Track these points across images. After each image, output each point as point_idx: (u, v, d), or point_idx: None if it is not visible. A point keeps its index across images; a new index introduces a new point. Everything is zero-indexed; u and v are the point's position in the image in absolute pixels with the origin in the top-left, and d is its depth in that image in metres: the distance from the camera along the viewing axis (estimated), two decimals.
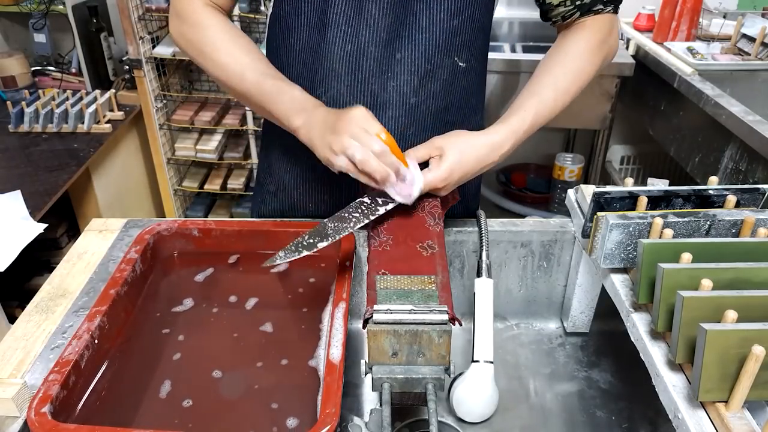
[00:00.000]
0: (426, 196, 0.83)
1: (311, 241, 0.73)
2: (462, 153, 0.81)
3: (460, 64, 0.92)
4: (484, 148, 0.82)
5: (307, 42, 0.90)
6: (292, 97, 0.84)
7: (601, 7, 0.89)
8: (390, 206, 0.78)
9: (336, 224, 0.75)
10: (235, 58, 0.87)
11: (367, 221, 0.76)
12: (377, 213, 0.77)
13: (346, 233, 0.75)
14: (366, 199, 0.78)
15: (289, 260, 0.72)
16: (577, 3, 0.89)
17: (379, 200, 0.78)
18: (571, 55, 0.90)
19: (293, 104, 0.83)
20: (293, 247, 0.73)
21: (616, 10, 0.91)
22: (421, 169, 0.80)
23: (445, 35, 0.88)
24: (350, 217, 0.76)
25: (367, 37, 0.87)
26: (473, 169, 0.82)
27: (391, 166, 0.74)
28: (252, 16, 1.96)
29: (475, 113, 1.00)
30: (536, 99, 0.87)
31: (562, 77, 0.88)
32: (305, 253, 0.72)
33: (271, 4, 0.91)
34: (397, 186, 0.76)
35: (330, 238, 0.74)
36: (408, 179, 0.76)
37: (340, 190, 0.98)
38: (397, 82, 0.90)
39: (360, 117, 0.75)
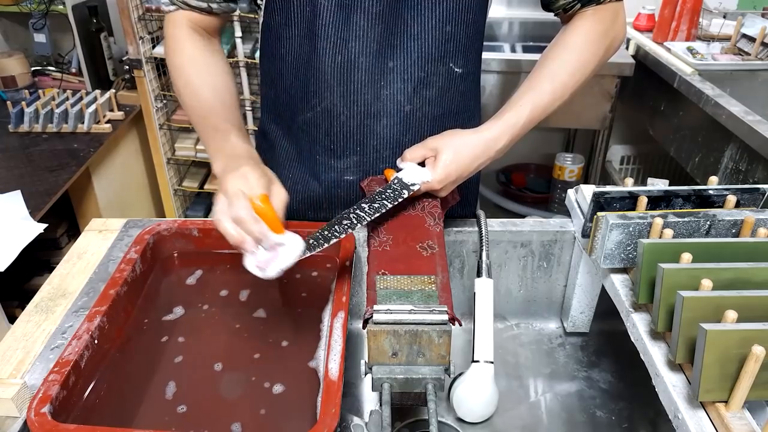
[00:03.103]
0: (426, 196, 0.83)
1: (314, 243, 0.73)
2: (457, 152, 0.80)
3: (456, 70, 0.91)
4: (478, 145, 0.82)
5: (299, 53, 0.89)
6: (223, 140, 0.84)
7: None
8: (383, 210, 0.77)
9: (333, 228, 0.75)
10: (189, 90, 0.89)
11: (359, 225, 0.75)
12: (366, 219, 0.76)
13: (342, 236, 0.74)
14: (363, 206, 0.77)
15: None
16: None
17: (374, 205, 0.77)
18: (570, 47, 0.88)
19: (222, 149, 0.83)
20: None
21: None
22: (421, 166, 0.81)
23: (438, 42, 0.87)
24: (342, 223, 0.75)
25: (357, 47, 0.86)
26: (469, 167, 0.82)
27: (249, 233, 0.69)
28: (252, 16, 1.96)
29: (473, 117, 1.00)
30: (533, 93, 0.86)
31: (560, 70, 0.87)
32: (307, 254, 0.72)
33: (262, 12, 0.91)
34: (256, 255, 0.70)
35: (328, 242, 0.73)
36: (277, 251, 0.70)
37: (338, 198, 0.98)
38: (390, 91, 0.89)
39: (239, 179, 0.72)
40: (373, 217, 0.76)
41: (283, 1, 0.86)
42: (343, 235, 0.74)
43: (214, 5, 0.91)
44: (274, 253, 0.70)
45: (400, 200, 0.78)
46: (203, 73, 0.90)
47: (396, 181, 0.80)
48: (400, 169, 0.83)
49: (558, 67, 0.87)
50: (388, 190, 0.79)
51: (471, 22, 0.88)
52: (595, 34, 0.88)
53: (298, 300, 0.84)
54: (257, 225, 0.69)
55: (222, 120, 0.87)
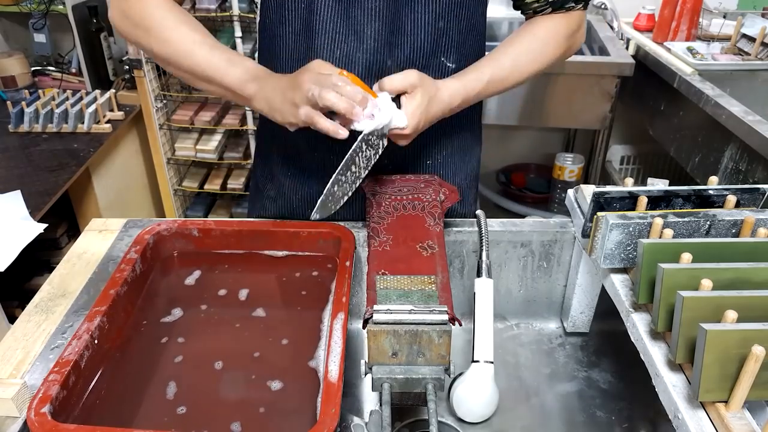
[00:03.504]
0: (425, 196, 0.83)
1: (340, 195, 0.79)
2: (430, 99, 0.80)
3: (448, 64, 0.92)
4: (443, 101, 0.82)
5: (294, 50, 0.89)
6: (244, 68, 0.83)
7: (573, 4, 0.91)
8: (370, 165, 0.79)
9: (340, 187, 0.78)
10: (182, 33, 0.84)
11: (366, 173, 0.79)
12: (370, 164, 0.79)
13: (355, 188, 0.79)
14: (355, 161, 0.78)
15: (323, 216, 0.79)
16: (550, 0, 0.90)
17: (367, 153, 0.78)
18: (538, 38, 0.91)
19: (246, 74, 0.82)
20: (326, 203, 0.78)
21: (585, 7, 0.93)
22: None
23: (431, 37, 0.88)
24: (350, 175, 0.78)
25: (356, 44, 0.86)
26: (433, 120, 0.83)
27: (352, 94, 0.73)
28: (252, 16, 1.96)
29: (474, 111, 1.00)
30: (493, 65, 0.88)
31: (524, 55, 0.90)
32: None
33: (259, 11, 0.91)
34: (364, 115, 0.75)
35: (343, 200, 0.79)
36: (377, 108, 0.75)
37: None
38: None
39: (317, 65, 0.77)
40: (367, 170, 0.79)
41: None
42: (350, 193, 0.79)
43: None
44: (378, 106, 0.76)
45: (381, 150, 0.79)
46: (188, 21, 0.86)
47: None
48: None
49: (523, 52, 0.91)
50: (372, 137, 0.78)
51: (465, 17, 0.89)
52: (561, 34, 0.92)
53: (298, 299, 0.84)
54: (355, 87, 0.74)
55: (232, 52, 0.86)
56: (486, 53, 0.98)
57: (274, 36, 0.90)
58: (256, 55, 0.99)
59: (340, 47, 0.87)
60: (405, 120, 0.78)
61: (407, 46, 0.88)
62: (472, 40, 0.94)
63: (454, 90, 0.84)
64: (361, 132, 0.76)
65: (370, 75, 0.88)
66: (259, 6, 0.90)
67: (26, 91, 2.10)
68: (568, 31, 0.92)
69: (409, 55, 0.88)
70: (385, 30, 0.86)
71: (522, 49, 0.91)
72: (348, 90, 0.73)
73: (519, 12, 0.96)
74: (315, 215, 0.79)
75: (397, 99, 0.79)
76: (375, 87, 0.81)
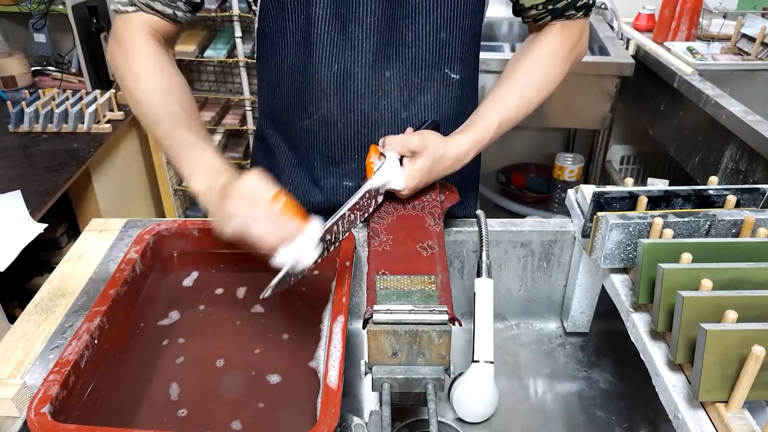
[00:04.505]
0: (425, 196, 0.83)
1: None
2: (433, 164, 0.79)
3: (452, 76, 0.91)
4: (451, 159, 0.82)
5: (294, 61, 0.89)
6: (201, 156, 0.79)
7: (573, 12, 0.89)
8: (360, 220, 0.78)
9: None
10: (152, 98, 0.82)
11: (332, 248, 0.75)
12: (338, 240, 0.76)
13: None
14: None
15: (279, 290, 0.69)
16: (549, 7, 0.88)
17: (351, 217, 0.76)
18: (539, 63, 0.90)
19: (200, 164, 0.79)
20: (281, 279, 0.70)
21: (587, 15, 0.91)
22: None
23: (433, 49, 0.87)
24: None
25: (353, 58, 0.86)
26: (437, 177, 0.82)
27: (276, 233, 0.67)
28: (251, 16, 1.95)
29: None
30: (501, 106, 0.86)
31: (528, 86, 0.89)
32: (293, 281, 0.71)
33: (257, 18, 0.90)
34: (289, 253, 0.69)
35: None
36: (303, 245, 0.69)
37: (339, 203, 0.97)
38: (388, 101, 0.89)
39: (250, 184, 0.70)
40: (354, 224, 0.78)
41: (278, 9, 0.86)
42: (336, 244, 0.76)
43: (179, 13, 0.87)
44: (299, 251, 0.69)
45: (371, 209, 0.79)
46: (166, 84, 0.84)
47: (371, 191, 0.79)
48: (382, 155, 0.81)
49: (526, 83, 0.89)
50: (363, 199, 0.78)
51: (467, 28, 0.88)
52: (562, 52, 0.90)
53: (298, 298, 0.84)
54: (281, 224, 0.68)
55: (196, 134, 0.82)
56: (486, 53, 0.98)
57: (274, 45, 0.89)
58: (256, 55, 0.99)
59: (337, 61, 0.86)
60: (402, 183, 0.78)
61: (408, 58, 0.87)
62: (474, 49, 0.93)
63: (463, 147, 0.83)
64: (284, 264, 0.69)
65: (370, 88, 0.88)
66: (257, 14, 0.89)
67: (26, 91, 2.10)
68: (569, 45, 0.90)
69: (411, 67, 0.88)
70: (383, 43, 0.86)
71: (526, 81, 0.89)
72: (271, 227, 0.67)
73: (521, 21, 0.95)
74: (266, 293, 0.69)
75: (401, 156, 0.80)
76: (380, 143, 0.81)
